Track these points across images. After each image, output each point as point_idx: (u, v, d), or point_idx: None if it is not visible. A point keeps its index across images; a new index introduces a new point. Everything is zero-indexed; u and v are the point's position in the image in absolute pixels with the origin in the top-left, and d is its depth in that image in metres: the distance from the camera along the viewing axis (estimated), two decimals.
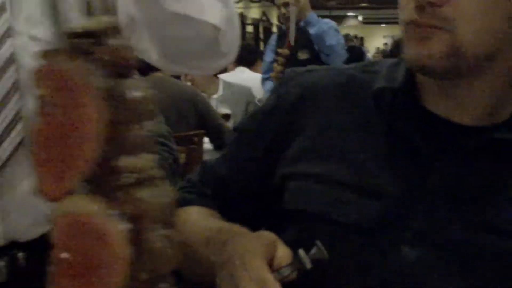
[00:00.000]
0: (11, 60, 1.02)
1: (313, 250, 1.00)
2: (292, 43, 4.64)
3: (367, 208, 1.05)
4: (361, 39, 19.50)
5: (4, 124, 1.03)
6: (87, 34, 0.66)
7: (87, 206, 0.71)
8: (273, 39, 5.55)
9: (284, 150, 1.18)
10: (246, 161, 1.24)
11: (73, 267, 0.73)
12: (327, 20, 5.00)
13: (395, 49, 4.69)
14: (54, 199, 0.72)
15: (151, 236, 0.73)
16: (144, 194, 0.73)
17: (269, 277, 0.96)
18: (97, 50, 0.67)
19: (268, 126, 1.22)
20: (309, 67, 1.29)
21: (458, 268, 1.01)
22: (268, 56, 5.41)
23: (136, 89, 0.71)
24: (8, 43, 1.02)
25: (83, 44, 0.66)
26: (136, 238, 0.72)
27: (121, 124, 0.68)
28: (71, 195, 0.72)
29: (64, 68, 0.66)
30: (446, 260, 1.01)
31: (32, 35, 1.05)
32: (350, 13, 26.18)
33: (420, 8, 0.97)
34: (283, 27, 5.25)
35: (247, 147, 1.25)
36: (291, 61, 4.83)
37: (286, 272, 1.01)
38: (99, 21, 0.67)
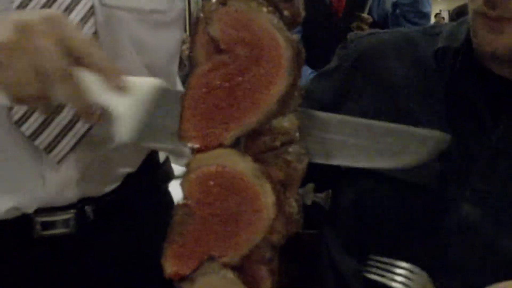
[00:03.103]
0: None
1: (322, 195, 1.01)
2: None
3: (428, 167, 1.04)
4: None
5: None
6: None
7: (238, 162, 0.69)
8: None
9: (342, 110, 1.14)
10: None
11: (205, 218, 0.71)
12: None
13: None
14: (201, 149, 0.70)
15: (289, 200, 0.72)
16: (291, 157, 0.71)
17: None
18: (285, 6, 0.64)
19: (327, 86, 1.21)
20: (371, 30, 1.26)
21: None
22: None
23: (302, 46, 0.68)
24: (91, 21, 0.99)
25: None
26: (279, 201, 0.70)
27: (294, 83, 0.66)
28: (219, 148, 0.70)
29: (254, 19, 0.63)
30: (505, 218, 1.02)
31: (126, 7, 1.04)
32: None
33: (490, 2, 0.96)
34: None
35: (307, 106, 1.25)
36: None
37: None
38: None
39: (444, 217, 1.04)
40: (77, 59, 0.77)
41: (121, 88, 0.77)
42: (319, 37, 3.74)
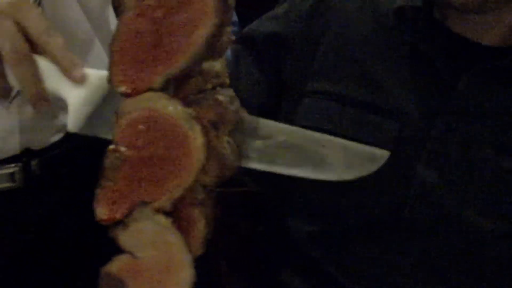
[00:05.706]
0: None
1: None
2: None
3: (384, 128, 1.03)
4: None
5: None
6: None
7: (167, 105, 0.70)
8: None
9: (296, 60, 1.12)
10: (251, 70, 1.17)
11: (136, 163, 0.72)
12: None
13: None
14: (131, 93, 0.70)
15: (222, 142, 0.73)
16: (222, 99, 0.72)
17: None
18: None
19: (278, 28, 1.14)
20: None
21: (474, 190, 1.00)
22: None
23: None
24: None
25: None
26: (209, 143, 0.72)
27: (221, 27, 0.67)
28: (148, 92, 0.70)
29: None
30: (462, 181, 1.00)
31: None
32: None
33: None
34: None
35: (253, 55, 1.17)
36: None
37: None
38: None
39: (398, 178, 1.02)
40: (36, 46, 0.78)
41: (77, 79, 0.78)
42: None
